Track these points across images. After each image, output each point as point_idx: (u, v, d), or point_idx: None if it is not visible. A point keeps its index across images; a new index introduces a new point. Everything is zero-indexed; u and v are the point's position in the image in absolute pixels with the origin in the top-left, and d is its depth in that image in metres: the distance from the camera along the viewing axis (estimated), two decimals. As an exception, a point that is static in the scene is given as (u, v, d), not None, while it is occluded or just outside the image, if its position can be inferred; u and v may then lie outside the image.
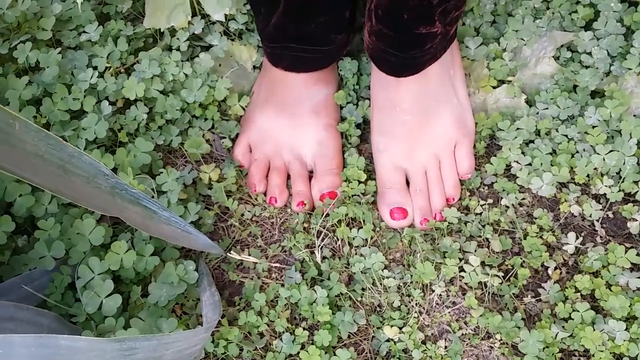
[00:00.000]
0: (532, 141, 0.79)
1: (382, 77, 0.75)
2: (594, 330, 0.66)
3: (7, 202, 0.69)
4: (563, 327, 0.67)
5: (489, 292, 0.71)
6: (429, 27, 0.67)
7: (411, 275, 0.73)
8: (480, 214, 0.76)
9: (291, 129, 0.80)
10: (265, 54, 0.81)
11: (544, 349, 0.66)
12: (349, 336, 0.70)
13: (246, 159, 0.81)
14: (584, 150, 0.78)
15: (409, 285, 0.72)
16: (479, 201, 0.77)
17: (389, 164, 0.77)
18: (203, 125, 0.83)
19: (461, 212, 0.77)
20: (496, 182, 0.78)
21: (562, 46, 0.84)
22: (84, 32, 0.84)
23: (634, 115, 0.79)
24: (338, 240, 0.76)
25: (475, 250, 0.73)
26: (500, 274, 0.71)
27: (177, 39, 0.85)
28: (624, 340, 0.65)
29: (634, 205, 0.75)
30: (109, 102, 0.79)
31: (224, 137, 0.84)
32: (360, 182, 0.77)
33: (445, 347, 0.69)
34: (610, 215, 0.76)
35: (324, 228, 0.76)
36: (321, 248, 0.75)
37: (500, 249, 0.74)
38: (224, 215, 0.79)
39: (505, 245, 0.74)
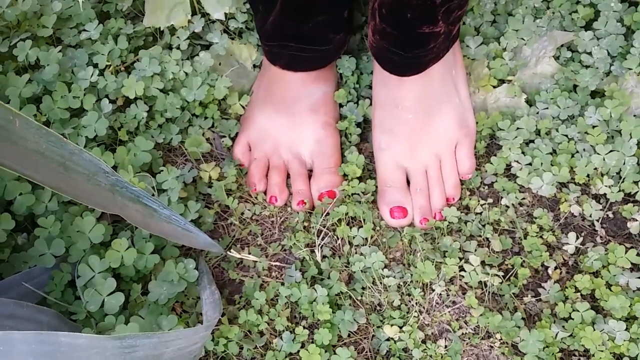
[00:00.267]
0: (532, 141, 0.80)
1: (385, 76, 0.75)
2: (594, 330, 0.66)
3: (7, 199, 0.69)
4: (563, 326, 0.67)
5: (489, 292, 0.71)
6: (432, 26, 0.67)
7: (411, 275, 0.73)
8: (481, 213, 0.76)
9: (289, 128, 0.80)
10: (263, 52, 0.81)
11: (544, 348, 0.66)
12: (349, 335, 0.70)
13: (246, 158, 0.81)
14: (584, 150, 0.78)
15: (409, 285, 0.72)
16: (479, 201, 0.77)
17: (390, 163, 0.77)
18: (203, 124, 0.83)
19: (461, 212, 0.77)
20: (496, 181, 0.78)
21: (562, 46, 0.84)
22: (84, 30, 0.84)
23: (634, 115, 0.79)
24: (338, 239, 0.76)
25: (476, 250, 0.74)
26: (501, 273, 0.71)
27: (177, 37, 0.85)
28: (624, 340, 0.65)
29: (634, 205, 0.75)
30: (109, 100, 0.79)
31: (224, 136, 0.84)
32: (360, 181, 0.77)
33: (445, 347, 0.69)
34: (611, 215, 0.76)
35: (324, 227, 0.76)
36: (321, 247, 0.75)
37: (500, 248, 0.74)
38: (224, 214, 0.79)
39: (505, 245, 0.74)
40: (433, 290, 0.72)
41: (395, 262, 0.75)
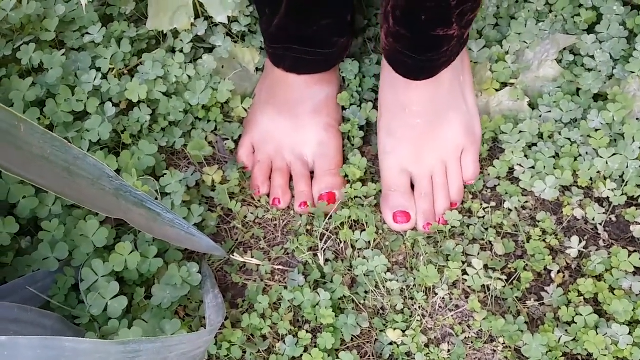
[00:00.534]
0: (535, 144, 0.80)
1: (394, 79, 0.75)
2: (597, 334, 0.66)
3: (10, 203, 0.69)
4: (566, 330, 0.67)
5: (492, 296, 0.71)
6: (447, 29, 0.67)
7: (414, 278, 0.73)
8: (483, 217, 0.76)
9: (292, 130, 0.80)
10: (267, 54, 0.82)
11: (547, 352, 0.66)
12: (352, 339, 0.70)
13: (250, 160, 0.81)
14: (586, 153, 0.78)
15: (412, 288, 0.72)
16: (481, 204, 0.77)
17: (395, 166, 0.77)
18: (206, 127, 0.83)
19: (464, 215, 0.77)
20: (499, 185, 0.78)
21: (564, 49, 0.84)
22: (87, 33, 0.84)
23: (637, 119, 0.79)
24: (341, 242, 0.76)
25: (478, 254, 0.74)
26: (504, 277, 0.71)
27: (181, 40, 0.85)
28: (627, 345, 0.65)
29: (637, 209, 0.75)
30: (112, 103, 0.79)
31: (227, 139, 0.84)
32: (363, 184, 0.77)
33: (448, 351, 0.69)
34: (614, 219, 0.76)
35: (327, 230, 0.76)
36: (324, 251, 0.75)
37: (503, 252, 0.74)
38: (227, 217, 0.79)
39: (508, 249, 0.74)
40: (436, 294, 0.72)
41: (398, 265, 0.75)
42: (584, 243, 0.73)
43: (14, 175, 0.50)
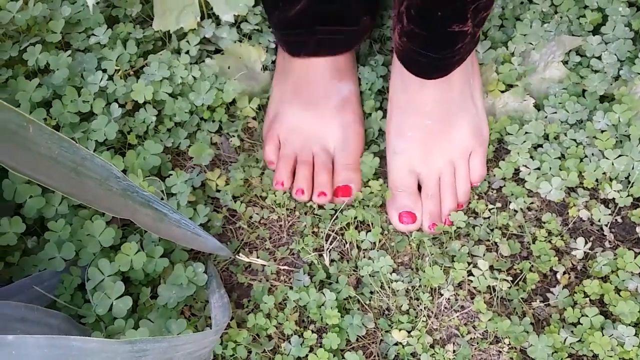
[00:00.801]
0: (541, 145, 0.80)
1: (406, 79, 0.75)
2: (603, 335, 0.66)
3: (17, 203, 0.70)
4: (572, 332, 0.67)
5: (497, 297, 0.71)
6: (462, 24, 0.67)
7: (420, 279, 0.73)
8: (489, 218, 0.76)
9: (319, 125, 0.81)
10: (283, 46, 0.82)
11: (552, 353, 0.66)
12: (357, 339, 0.70)
13: (276, 156, 0.81)
14: (592, 154, 0.78)
15: (417, 289, 0.72)
16: (487, 205, 0.77)
17: (403, 167, 0.77)
18: (211, 128, 0.84)
19: (469, 216, 0.77)
20: (505, 186, 0.78)
21: (570, 50, 0.84)
22: (93, 34, 0.84)
23: (643, 120, 0.79)
24: (346, 243, 0.76)
25: (484, 254, 0.74)
26: (509, 278, 0.71)
27: (187, 42, 0.85)
28: (633, 346, 0.65)
29: (642, 210, 0.75)
30: (118, 104, 0.79)
31: (233, 136, 0.83)
32: (366, 186, 0.77)
33: (454, 351, 0.69)
34: (619, 220, 0.76)
35: (332, 231, 0.76)
36: (329, 251, 0.75)
37: (508, 253, 0.74)
38: (233, 218, 0.79)
39: (514, 250, 0.74)
40: (441, 295, 0.72)
41: (403, 266, 0.75)
42: (589, 244, 0.73)
43: (21, 175, 0.51)
